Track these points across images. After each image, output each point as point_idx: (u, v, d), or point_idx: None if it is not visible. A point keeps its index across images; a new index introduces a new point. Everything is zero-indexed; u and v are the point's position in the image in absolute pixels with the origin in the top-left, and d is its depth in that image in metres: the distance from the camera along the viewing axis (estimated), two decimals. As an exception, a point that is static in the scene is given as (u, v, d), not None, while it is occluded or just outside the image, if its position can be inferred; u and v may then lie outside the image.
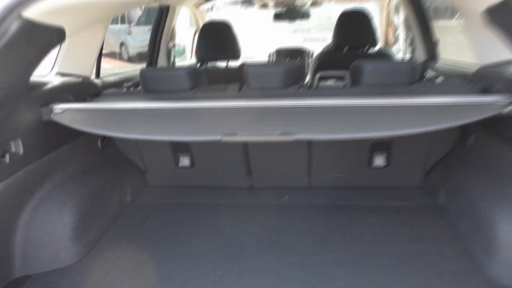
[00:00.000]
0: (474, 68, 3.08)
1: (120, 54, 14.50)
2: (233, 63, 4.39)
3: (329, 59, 4.22)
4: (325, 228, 2.61)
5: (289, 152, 2.98)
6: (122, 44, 14.61)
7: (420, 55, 4.05)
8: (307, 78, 4.42)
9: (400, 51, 5.18)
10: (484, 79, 2.46)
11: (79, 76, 2.84)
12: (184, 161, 3.13)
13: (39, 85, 2.42)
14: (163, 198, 3.12)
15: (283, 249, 2.41)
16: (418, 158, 2.94)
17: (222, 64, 4.37)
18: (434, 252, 2.32)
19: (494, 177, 2.28)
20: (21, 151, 2.17)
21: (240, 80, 2.85)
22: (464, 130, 2.70)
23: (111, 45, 13.68)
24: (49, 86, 2.49)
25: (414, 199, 2.92)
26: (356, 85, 2.65)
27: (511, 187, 2.14)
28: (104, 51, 3.53)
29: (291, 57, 5.83)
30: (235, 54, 4.20)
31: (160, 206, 3.01)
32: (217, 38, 4.12)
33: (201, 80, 2.95)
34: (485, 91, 2.40)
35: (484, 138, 2.48)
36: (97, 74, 3.41)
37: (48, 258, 2.29)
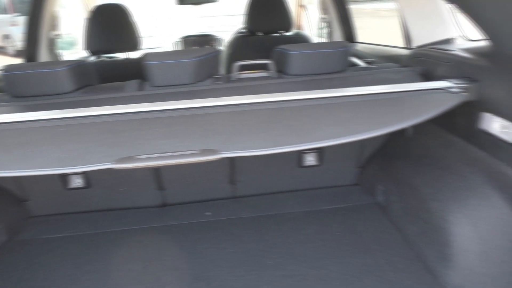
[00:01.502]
0: (400, 51, 2.86)
1: (4, 48, 13.01)
2: (134, 55, 3.75)
3: (243, 46, 3.77)
4: (258, 249, 2.18)
5: None
6: (6, 37, 13.05)
7: (338, 39, 3.79)
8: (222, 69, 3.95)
9: (314, 35, 4.92)
10: (423, 62, 2.20)
11: None
12: (76, 181, 2.48)
13: None
14: (52, 230, 2.45)
15: (211, 285, 1.94)
16: (352, 152, 2.64)
17: (120, 56, 3.70)
18: (384, 263, 2.02)
19: (441, 172, 2.03)
20: None
21: (142, 75, 2.28)
22: None
23: (-7, 38, 12.18)
24: None
25: (352, 199, 2.62)
26: (282, 75, 2.24)
27: (461, 182, 1.90)
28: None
29: (200, 45, 5.28)
30: (133, 44, 3.56)
31: (49, 241, 2.35)
32: (110, 25, 3.43)
33: (89, 78, 2.32)
34: (426, 74, 2.14)
35: (424, 127, 2.23)
36: None
37: None
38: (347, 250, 2.13)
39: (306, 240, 2.23)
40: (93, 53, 3.58)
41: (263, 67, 2.27)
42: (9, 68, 2.13)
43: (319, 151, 2.57)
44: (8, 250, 2.27)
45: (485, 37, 1.54)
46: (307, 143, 1.29)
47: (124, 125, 1.63)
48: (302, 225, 2.37)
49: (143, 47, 3.62)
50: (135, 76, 2.33)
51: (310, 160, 2.61)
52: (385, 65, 2.43)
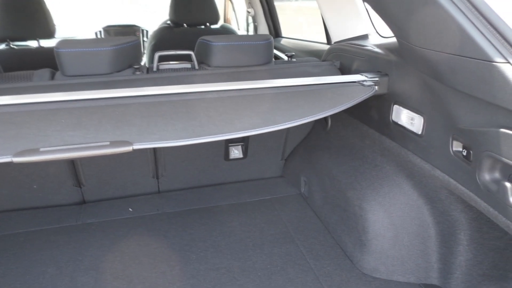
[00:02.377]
0: (321, 46, 2.96)
1: None
2: (48, 44, 3.48)
3: (168, 38, 3.66)
4: (182, 243, 2.14)
5: (128, 152, 2.38)
6: None
7: (264, 33, 3.83)
8: (143, 60, 3.80)
9: (240, 28, 4.94)
10: (339, 56, 2.29)
11: None
12: None
13: None
14: None
15: (132, 284, 1.86)
16: (276, 145, 2.69)
17: (33, 45, 3.42)
18: (306, 252, 2.08)
19: (358, 162, 2.14)
20: None
21: (55, 65, 2.11)
22: None
23: None
24: None
25: (277, 191, 2.67)
26: (205, 66, 2.20)
27: (375, 171, 2.01)
28: None
29: (123, 36, 5.04)
30: (47, 32, 3.30)
31: None
32: (19, 8, 3.15)
33: None
34: (343, 68, 2.23)
35: (343, 120, 2.32)
36: None
37: None
38: (271, 241, 2.17)
39: (231, 233, 2.23)
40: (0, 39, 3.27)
41: (185, 58, 2.22)
42: None
43: (244, 144, 2.58)
44: None
45: (393, 33, 1.63)
46: (225, 133, 1.28)
47: (29, 116, 1.49)
48: (227, 218, 2.37)
49: (59, 36, 3.38)
50: (49, 67, 2.15)
51: (236, 153, 2.61)
52: (307, 59, 2.49)
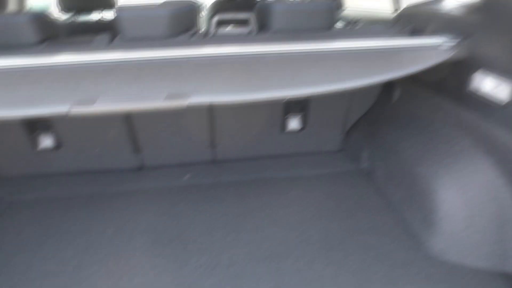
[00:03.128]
0: (388, 14, 2.75)
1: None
2: (108, 16, 3.55)
3: (224, 10, 3.60)
4: (237, 213, 2.10)
5: (186, 119, 2.36)
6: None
7: None
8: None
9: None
10: (411, 20, 2.10)
11: None
12: (46, 141, 2.33)
13: None
14: (20, 192, 2.32)
15: (188, 247, 1.86)
16: (337, 117, 2.55)
17: (94, 18, 3.50)
18: (367, 228, 1.97)
19: (427, 136, 1.97)
20: None
21: (113, 32, 2.12)
22: (387, 84, 2.35)
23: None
24: None
25: (336, 165, 2.55)
26: (264, 31, 2.11)
27: (448, 146, 1.84)
28: None
29: None
30: (109, 2, 3.36)
31: (16, 204, 2.22)
32: None
33: (54, 30, 2.14)
34: (414, 33, 2.04)
35: (411, 90, 2.14)
36: None
37: None
38: (328, 215, 2.07)
39: (287, 205, 2.16)
40: (66, 11, 3.37)
41: (243, 23, 2.14)
42: None
43: (303, 114, 2.48)
44: None
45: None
46: (288, 90, 1.18)
47: (87, 72, 1.49)
48: (283, 190, 2.30)
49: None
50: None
51: (293, 124, 2.52)
52: (373, 25, 2.32)
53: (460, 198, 1.72)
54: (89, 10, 3.43)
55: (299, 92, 1.21)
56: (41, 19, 1.98)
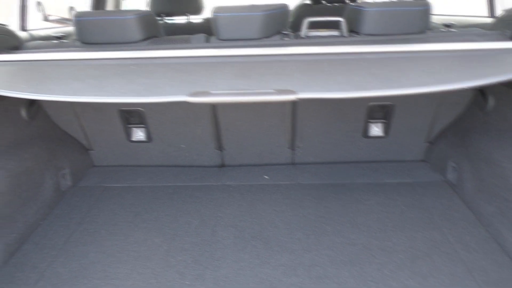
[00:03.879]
0: (483, 20, 2.61)
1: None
2: (196, 20, 3.72)
3: (308, 14, 3.63)
4: (317, 215, 2.10)
5: (267, 120, 2.41)
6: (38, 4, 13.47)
7: None
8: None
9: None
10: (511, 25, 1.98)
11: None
12: (139, 134, 2.50)
13: None
14: (113, 180, 2.50)
15: (269, 245, 1.89)
16: (421, 126, 2.47)
17: (182, 20, 3.70)
18: (455, 241, 1.87)
19: None
20: None
21: (207, 33, 2.24)
22: (479, 89, 2.23)
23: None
24: None
25: (418, 175, 2.46)
26: (355, 34, 2.11)
27: None
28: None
29: None
30: (196, 8, 3.53)
31: (109, 190, 2.40)
32: None
33: (157, 29, 2.30)
34: None
35: (509, 98, 2.01)
36: (22, 27, 2.68)
37: None
38: (413, 224, 2.00)
39: (368, 211, 2.12)
40: (155, 14, 3.61)
41: (334, 25, 2.15)
42: (80, 14, 2.15)
43: (386, 121, 2.42)
44: (71, 195, 2.34)
45: None
46: (392, 89, 1.17)
47: (195, 66, 1.58)
48: (364, 196, 2.26)
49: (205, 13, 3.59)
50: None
51: (376, 130, 2.47)
52: (469, 29, 2.22)
53: None
54: (177, 14, 3.63)
55: (404, 92, 1.19)
56: (146, 18, 2.14)
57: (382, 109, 2.39)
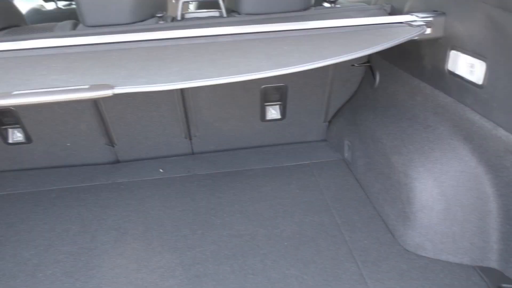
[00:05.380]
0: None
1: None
2: None
3: None
4: (208, 207, 2.01)
5: (157, 110, 2.26)
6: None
7: None
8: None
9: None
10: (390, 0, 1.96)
11: None
12: (16, 135, 2.27)
13: None
14: None
15: (151, 246, 1.77)
16: (318, 106, 2.43)
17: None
18: (341, 222, 1.86)
19: (406, 122, 1.84)
20: None
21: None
22: (368, 68, 2.22)
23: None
24: None
25: (318, 156, 2.43)
26: (234, 14, 1.99)
27: (426, 133, 1.71)
28: None
29: None
30: None
31: None
32: None
33: (16, 17, 2.07)
34: (395, 12, 1.90)
35: (392, 74, 2.01)
36: None
37: None
38: (303, 209, 1.96)
39: (261, 198, 2.05)
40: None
41: (213, 6, 2.02)
42: None
43: (282, 104, 2.35)
44: None
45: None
46: (224, 77, 1.07)
47: (22, 61, 1.40)
48: (260, 182, 2.20)
49: None
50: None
51: (273, 113, 2.40)
52: (352, 4, 2.18)
53: (436, 188, 1.59)
54: None
55: (238, 79, 1.10)
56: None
57: (276, 91, 2.31)
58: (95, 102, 2.14)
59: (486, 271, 1.52)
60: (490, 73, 1.29)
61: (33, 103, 0.99)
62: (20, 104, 1.03)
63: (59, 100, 1.00)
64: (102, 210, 2.03)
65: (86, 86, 1.03)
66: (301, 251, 1.70)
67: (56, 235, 1.87)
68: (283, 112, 2.40)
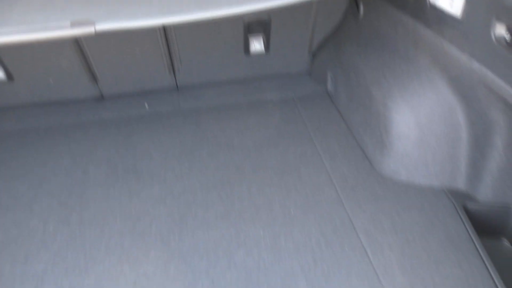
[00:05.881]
0: None
1: None
2: None
3: None
4: (195, 140, 2.08)
5: (139, 46, 2.23)
6: None
7: None
8: None
9: None
10: None
11: None
12: None
13: None
14: None
15: (141, 178, 1.86)
16: (302, 37, 2.42)
17: None
18: (323, 152, 1.95)
19: (387, 55, 1.87)
20: None
21: None
22: (353, 0, 2.19)
23: None
24: None
25: (302, 89, 2.47)
26: None
27: (406, 65, 1.75)
28: None
29: None
30: None
31: None
32: None
33: None
34: None
35: (377, 7, 1.99)
36: None
37: None
38: (287, 140, 2.04)
39: (246, 130, 2.12)
40: None
41: None
42: None
43: (265, 35, 2.34)
44: None
45: None
46: (210, 10, 1.08)
47: None
48: (245, 115, 2.25)
49: None
50: None
51: (257, 45, 2.39)
52: None
53: (412, 118, 1.67)
54: None
55: (220, 13, 1.10)
56: None
57: (260, 24, 2.29)
58: (76, 38, 2.10)
59: (454, 193, 1.65)
60: (467, 5, 1.31)
61: (14, 42, 0.99)
62: (1, 44, 1.03)
63: (40, 39, 1.01)
64: (91, 145, 2.08)
65: (68, 23, 1.03)
66: (284, 179, 1.80)
67: (48, 169, 1.93)
68: (266, 45, 2.39)
